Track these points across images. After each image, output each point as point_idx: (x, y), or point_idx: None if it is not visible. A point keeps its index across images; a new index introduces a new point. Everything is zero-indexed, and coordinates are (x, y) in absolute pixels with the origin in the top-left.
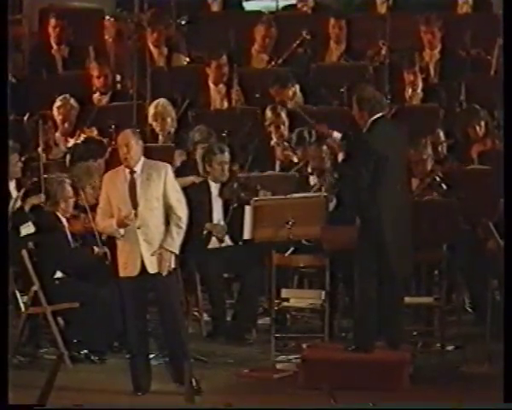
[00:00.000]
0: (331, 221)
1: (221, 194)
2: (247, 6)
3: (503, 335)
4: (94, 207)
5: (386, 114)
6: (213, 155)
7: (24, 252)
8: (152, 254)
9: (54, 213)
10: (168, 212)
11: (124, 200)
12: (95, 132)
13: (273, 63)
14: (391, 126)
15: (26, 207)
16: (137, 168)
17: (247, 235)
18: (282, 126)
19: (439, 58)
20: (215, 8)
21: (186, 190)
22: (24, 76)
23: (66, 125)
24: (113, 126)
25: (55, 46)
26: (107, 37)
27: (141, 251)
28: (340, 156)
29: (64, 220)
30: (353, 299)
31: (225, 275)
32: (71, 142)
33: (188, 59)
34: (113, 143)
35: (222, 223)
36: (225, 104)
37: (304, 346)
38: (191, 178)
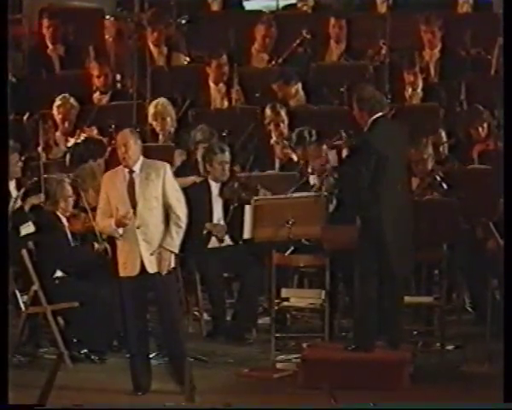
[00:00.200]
0: (331, 221)
1: (221, 193)
2: (248, 5)
3: (503, 334)
4: (94, 207)
5: (387, 113)
6: (214, 155)
7: (24, 251)
8: (151, 254)
9: (54, 212)
10: (167, 211)
11: (123, 200)
12: (95, 132)
13: (273, 63)
14: (391, 126)
15: (26, 207)
16: (136, 168)
17: (247, 234)
18: (282, 124)
19: (439, 57)
20: (215, 7)
21: (186, 189)
22: (24, 76)
23: (66, 124)
24: (113, 126)
25: (50, 46)
26: (107, 36)
27: (140, 251)
28: (344, 153)
29: (64, 220)
30: (353, 299)
31: (225, 274)
32: (71, 141)
33: (188, 58)
34: (113, 142)
35: (222, 222)
36: (225, 104)
37: (304, 345)
38: (192, 178)
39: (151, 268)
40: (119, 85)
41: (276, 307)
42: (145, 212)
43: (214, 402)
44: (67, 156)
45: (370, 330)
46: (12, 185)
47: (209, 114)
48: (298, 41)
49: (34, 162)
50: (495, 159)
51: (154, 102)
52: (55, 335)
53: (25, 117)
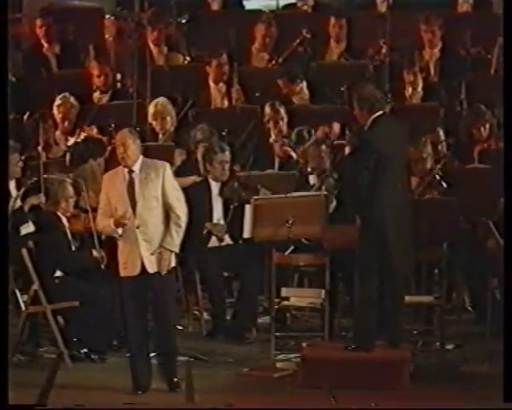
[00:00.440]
0: (331, 220)
1: (221, 193)
2: (248, 5)
3: (503, 334)
4: (95, 208)
5: (387, 112)
6: (214, 154)
7: (24, 251)
8: (152, 254)
9: (54, 212)
10: (168, 211)
11: (123, 199)
12: (95, 131)
13: (273, 62)
14: (391, 124)
15: (26, 207)
16: (136, 168)
17: (247, 234)
18: (281, 122)
19: (439, 57)
20: (215, 6)
21: (186, 189)
22: (24, 75)
23: (66, 123)
24: (113, 125)
25: (45, 45)
26: (107, 35)
27: (140, 251)
28: (346, 150)
29: (64, 220)
30: (353, 298)
31: (225, 274)
32: (71, 140)
33: (188, 58)
34: (113, 141)
35: (222, 222)
36: (225, 103)
37: (304, 345)
38: (192, 178)
39: (151, 268)
40: (119, 85)
41: (276, 307)
42: (145, 212)
43: (214, 402)
44: (67, 156)
45: (370, 329)
46: (12, 185)
47: (209, 114)
48: (298, 40)
49: (34, 162)
50: (494, 158)
51: (154, 102)
52: (55, 334)
53: (25, 116)
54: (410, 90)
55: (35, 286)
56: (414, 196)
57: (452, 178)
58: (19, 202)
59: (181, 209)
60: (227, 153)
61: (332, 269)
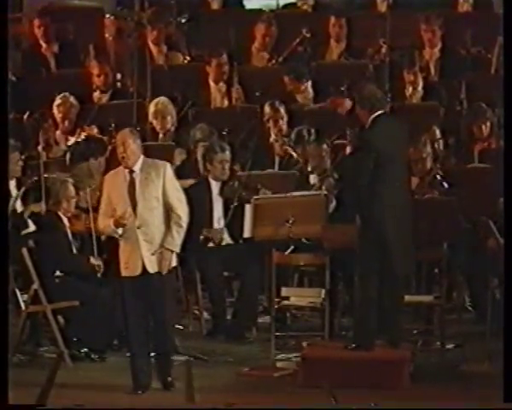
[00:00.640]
0: (331, 220)
1: (221, 193)
2: (248, 4)
3: (503, 333)
4: (95, 208)
5: (387, 111)
6: (214, 154)
7: (24, 250)
8: (152, 254)
9: (55, 212)
10: (168, 211)
11: (123, 200)
12: (95, 131)
13: (273, 61)
14: (392, 124)
15: (26, 214)
16: (136, 168)
17: (247, 233)
18: (281, 121)
19: (439, 56)
20: (215, 6)
21: (187, 188)
22: (24, 75)
23: (66, 123)
24: (113, 125)
25: (44, 44)
26: (107, 35)
27: (141, 251)
28: (347, 150)
29: (65, 220)
30: (353, 297)
31: (225, 273)
32: (71, 140)
33: (188, 57)
34: (114, 141)
35: (222, 222)
36: (226, 103)
37: (304, 344)
38: (189, 182)
39: (151, 268)
40: (119, 84)
41: (276, 306)
42: (145, 212)
43: (214, 401)
44: (68, 155)
45: (370, 329)
46: (12, 184)
47: (209, 113)
48: (298, 40)
49: (34, 161)
50: (495, 157)
51: (155, 101)
52: (55, 334)
53: (25, 116)
54: (411, 89)
55: (35, 286)
56: (414, 195)
57: (452, 177)
58: (19, 203)
59: (182, 209)
60: (227, 152)
61: (332, 269)
